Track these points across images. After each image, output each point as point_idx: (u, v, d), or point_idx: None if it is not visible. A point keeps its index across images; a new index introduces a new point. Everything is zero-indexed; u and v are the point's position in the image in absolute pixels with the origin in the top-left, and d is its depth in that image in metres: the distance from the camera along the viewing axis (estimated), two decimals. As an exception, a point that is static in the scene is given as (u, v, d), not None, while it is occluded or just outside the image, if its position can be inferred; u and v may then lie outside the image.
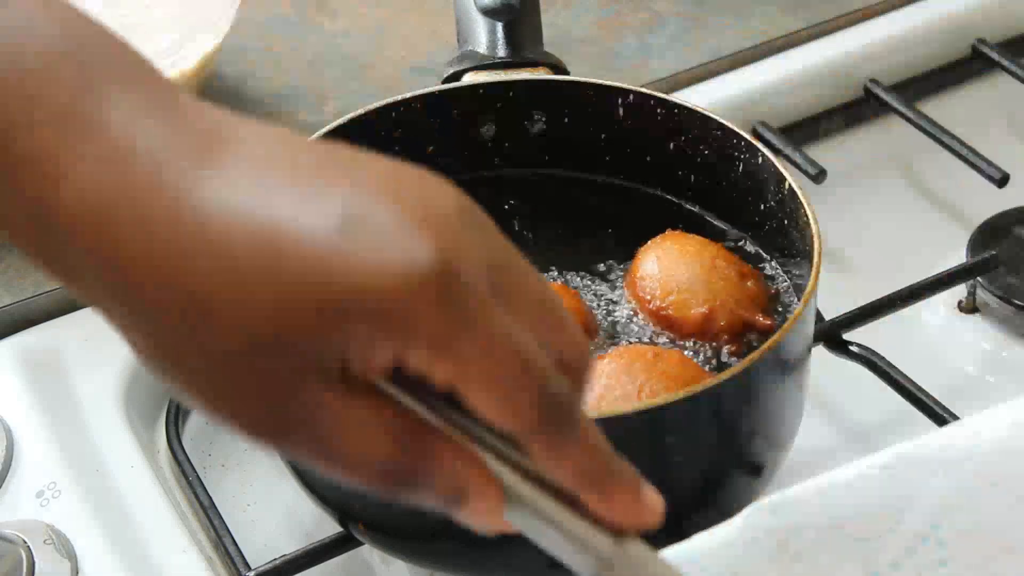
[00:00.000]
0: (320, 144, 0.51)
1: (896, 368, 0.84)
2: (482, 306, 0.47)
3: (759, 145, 0.81)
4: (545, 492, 0.52)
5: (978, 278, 0.92)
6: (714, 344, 0.77)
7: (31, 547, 0.74)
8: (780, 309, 0.80)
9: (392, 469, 0.49)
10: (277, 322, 0.46)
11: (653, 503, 0.53)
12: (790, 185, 0.78)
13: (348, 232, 0.46)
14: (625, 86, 0.85)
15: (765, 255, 0.82)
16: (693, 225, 0.84)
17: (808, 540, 0.62)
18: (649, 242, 0.81)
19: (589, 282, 0.82)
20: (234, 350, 0.47)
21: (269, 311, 0.46)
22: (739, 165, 0.82)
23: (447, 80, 0.87)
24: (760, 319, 0.77)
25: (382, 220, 0.47)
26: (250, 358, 0.47)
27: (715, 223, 0.84)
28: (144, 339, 0.48)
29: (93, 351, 0.85)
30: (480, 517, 0.51)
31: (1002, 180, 0.97)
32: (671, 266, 0.79)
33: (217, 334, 0.46)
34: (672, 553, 0.61)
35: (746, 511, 0.62)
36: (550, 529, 0.53)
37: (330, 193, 0.47)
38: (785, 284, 0.81)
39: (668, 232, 0.81)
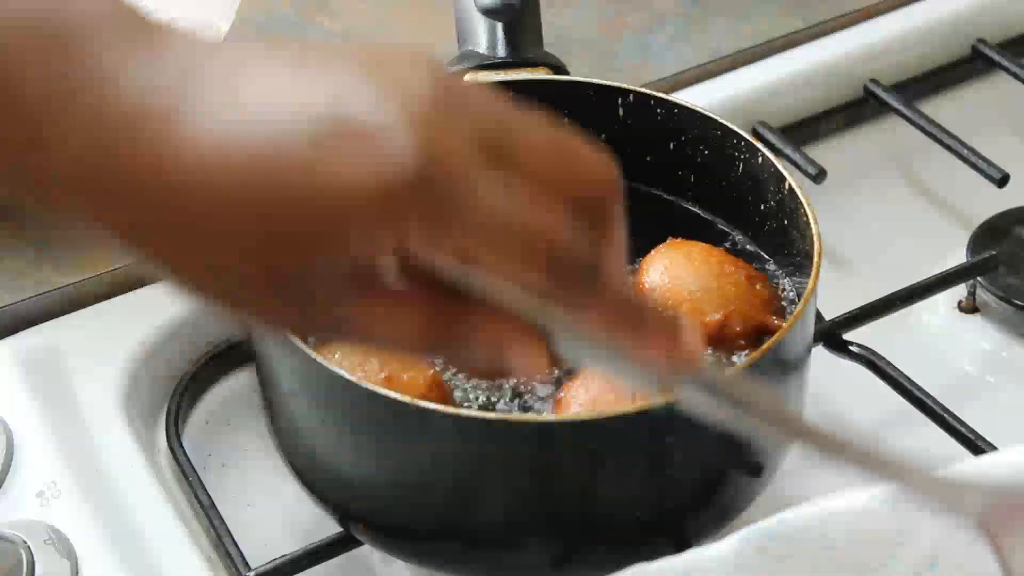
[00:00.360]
0: (291, 43, 0.51)
1: (896, 368, 0.84)
2: (472, 185, 0.47)
3: (759, 145, 0.81)
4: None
5: (978, 278, 0.92)
6: (729, 351, 0.76)
7: (31, 547, 0.74)
8: (784, 306, 0.80)
9: (430, 340, 0.50)
10: (274, 249, 0.47)
11: (693, 344, 0.53)
12: (790, 185, 0.78)
13: (329, 140, 0.46)
14: (625, 86, 0.85)
15: (765, 255, 0.82)
16: (693, 225, 0.84)
17: (802, 568, 0.62)
18: (652, 252, 0.80)
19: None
20: (251, 274, 0.48)
21: (263, 238, 0.47)
22: (739, 165, 0.82)
23: (447, 80, 0.87)
24: (775, 320, 0.76)
25: (361, 121, 0.47)
26: (268, 278, 0.48)
27: (715, 223, 0.84)
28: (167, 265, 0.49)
29: (93, 351, 0.85)
30: (526, 361, 0.51)
31: (1002, 180, 0.97)
32: (680, 275, 0.78)
33: (232, 258, 0.48)
34: (664, 566, 0.61)
35: (742, 532, 0.62)
36: (603, 355, 0.53)
37: (309, 95, 0.47)
38: (785, 284, 0.81)
39: (670, 240, 0.81)
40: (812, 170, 0.97)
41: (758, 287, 0.78)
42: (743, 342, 0.76)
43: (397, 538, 0.73)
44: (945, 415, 0.82)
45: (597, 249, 0.51)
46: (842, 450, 0.56)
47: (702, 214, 0.85)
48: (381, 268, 0.48)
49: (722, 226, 0.84)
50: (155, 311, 0.87)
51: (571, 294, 0.50)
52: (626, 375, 0.54)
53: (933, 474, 0.58)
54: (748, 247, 0.83)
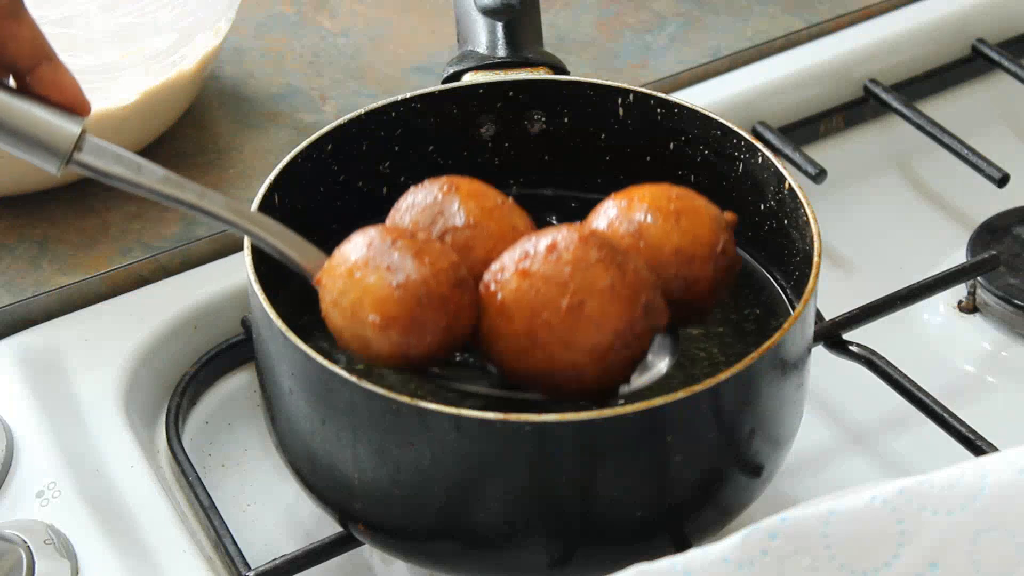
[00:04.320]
0: None
1: (896, 368, 0.84)
2: None
3: (759, 145, 0.81)
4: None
5: (978, 278, 0.92)
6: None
7: (31, 547, 0.74)
8: (779, 310, 0.80)
9: None
10: None
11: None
12: (790, 185, 0.78)
13: None
14: (625, 86, 0.85)
15: (765, 255, 0.82)
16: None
17: (803, 567, 0.62)
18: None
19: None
20: None
21: None
22: (739, 165, 0.82)
23: (447, 80, 0.87)
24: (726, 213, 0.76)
25: None
26: None
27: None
28: None
29: (93, 351, 0.85)
30: None
31: (1002, 180, 0.97)
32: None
33: None
34: (665, 564, 0.62)
35: (744, 531, 0.62)
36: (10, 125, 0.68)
37: None
38: (785, 284, 0.81)
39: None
40: (812, 170, 0.97)
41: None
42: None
43: (397, 538, 0.73)
44: (945, 415, 0.82)
45: None
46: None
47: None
48: None
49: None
50: (155, 311, 0.87)
51: None
52: (32, 148, 0.68)
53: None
54: (748, 247, 0.83)
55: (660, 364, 0.74)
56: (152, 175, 0.72)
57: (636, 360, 0.70)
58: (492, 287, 0.70)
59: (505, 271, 0.70)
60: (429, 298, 0.68)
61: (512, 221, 0.75)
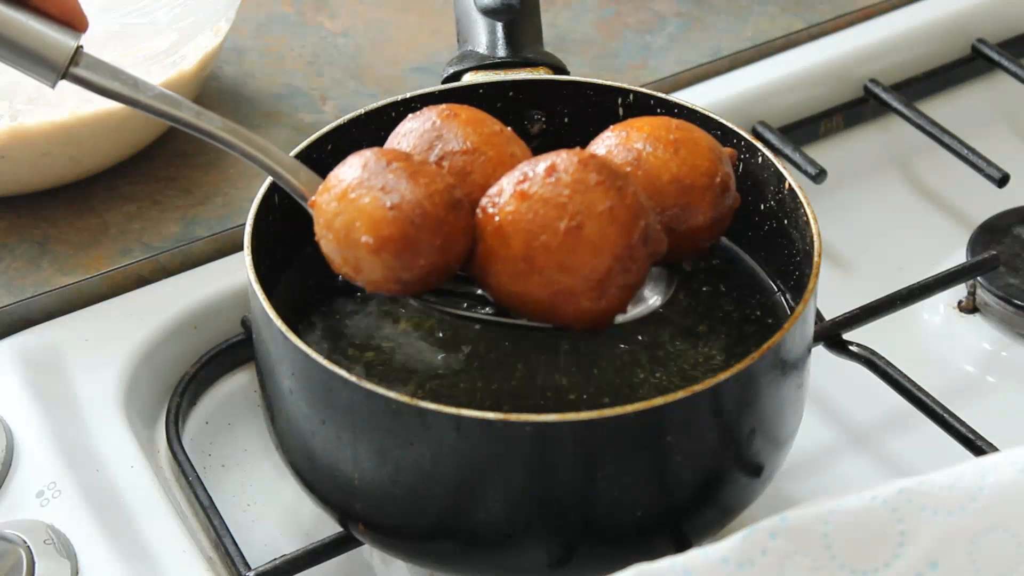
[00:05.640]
0: None
1: (896, 368, 0.84)
2: None
3: (759, 145, 0.81)
4: None
5: (978, 278, 0.92)
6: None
7: (31, 547, 0.74)
8: (778, 311, 0.80)
9: None
10: None
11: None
12: (790, 185, 0.78)
13: None
14: (625, 86, 0.85)
15: (765, 255, 0.82)
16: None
17: (803, 567, 0.62)
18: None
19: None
20: None
21: None
22: (739, 165, 0.82)
23: (447, 80, 0.87)
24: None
25: None
26: None
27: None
28: None
29: (93, 351, 0.85)
30: None
31: (1002, 180, 0.97)
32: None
33: None
34: (665, 565, 0.62)
35: (744, 531, 0.62)
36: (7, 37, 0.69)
37: None
38: (785, 284, 0.81)
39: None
40: (812, 170, 0.97)
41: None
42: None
43: (397, 538, 0.73)
44: (945, 415, 0.82)
45: None
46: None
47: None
48: None
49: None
50: (155, 311, 0.87)
51: None
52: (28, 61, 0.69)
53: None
54: (748, 247, 0.83)
55: (655, 298, 0.74)
56: (148, 91, 0.72)
57: (633, 287, 0.69)
58: (489, 210, 0.69)
59: (503, 194, 0.69)
60: (423, 219, 0.67)
61: (510, 148, 0.75)
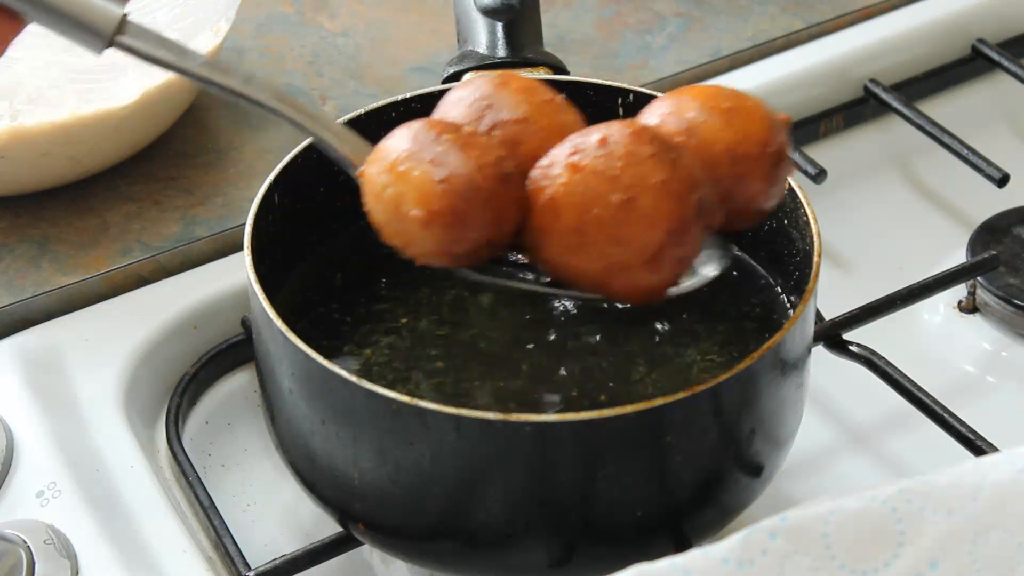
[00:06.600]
0: None
1: (896, 368, 0.84)
2: None
3: (759, 145, 0.80)
4: None
5: (978, 278, 0.92)
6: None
7: (31, 547, 0.74)
8: (779, 311, 0.80)
9: None
10: None
11: None
12: (790, 185, 0.78)
13: None
14: (625, 86, 0.85)
15: (765, 255, 0.82)
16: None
17: (803, 567, 0.62)
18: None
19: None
20: None
21: None
22: (739, 165, 0.81)
23: (447, 80, 0.87)
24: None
25: None
26: None
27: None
28: None
29: (93, 351, 0.85)
30: None
31: (1002, 180, 0.97)
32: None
33: None
34: (665, 565, 0.61)
35: (744, 531, 0.62)
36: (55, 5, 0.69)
37: None
38: (785, 284, 0.81)
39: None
40: (812, 170, 0.97)
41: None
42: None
43: (397, 538, 0.73)
44: (945, 415, 0.82)
45: None
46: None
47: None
48: None
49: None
50: (155, 311, 0.87)
51: None
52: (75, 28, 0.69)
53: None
54: (748, 247, 0.83)
55: (708, 269, 0.73)
56: (195, 60, 0.72)
57: (687, 260, 0.68)
58: (541, 182, 0.67)
59: (555, 165, 0.67)
60: (474, 192, 0.66)
61: (562, 117, 0.73)
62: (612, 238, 0.66)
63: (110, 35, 0.70)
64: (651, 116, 0.73)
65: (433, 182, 0.66)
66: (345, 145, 0.72)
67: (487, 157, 0.67)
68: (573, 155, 0.67)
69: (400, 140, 0.68)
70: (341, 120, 0.82)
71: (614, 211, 0.66)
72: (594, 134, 0.68)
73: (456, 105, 0.73)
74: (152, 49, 0.71)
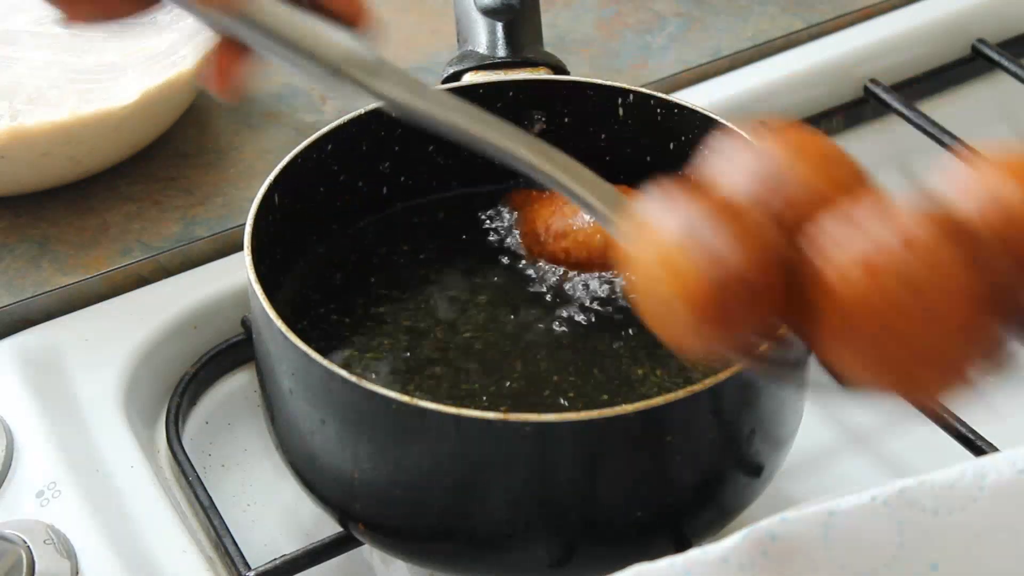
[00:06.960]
0: None
1: (896, 368, 0.84)
2: None
3: (759, 145, 0.80)
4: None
5: (978, 278, 0.91)
6: None
7: (31, 547, 0.74)
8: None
9: None
10: None
11: None
12: (790, 185, 0.78)
13: None
14: (625, 86, 0.85)
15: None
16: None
17: (803, 568, 0.61)
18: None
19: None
20: None
21: None
22: (739, 165, 0.81)
23: (447, 80, 0.87)
24: None
25: None
26: None
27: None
28: None
29: (93, 351, 0.85)
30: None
31: (1002, 180, 0.97)
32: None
33: None
34: (665, 565, 0.61)
35: (744, 531, 0.62)
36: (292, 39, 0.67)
37: None
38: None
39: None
40: (812, 170, 0.97)
41: None
42: None
43: (397, 538, 0.73)
44: (945, 415, 0.82)
45: None
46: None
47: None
48: None
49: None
50: (155, 311, 0.87)
51: None
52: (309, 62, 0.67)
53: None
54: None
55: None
56: (443, 105, 0.71)
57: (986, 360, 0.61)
58: (828, 275, 0.58)
59: (843, 256, 0.58)
60: (746, 291, 0.58)
61: (850, 183, 0.63)
62: (913, 355, 0.59)
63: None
64: (950, 186, 0.62)
65: (703, 279, 0.58)
66: (593, 193, 0.67)
67: (766, 247, 0.59)
68: (868, 251, 0.58)
69: (667, 215, 0.60)
70: (338, 122, 0.82)
71: (917, 325, 0.57)
72: (895, 232, 0.58)
73: (735, 173, 0.63)
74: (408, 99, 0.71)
